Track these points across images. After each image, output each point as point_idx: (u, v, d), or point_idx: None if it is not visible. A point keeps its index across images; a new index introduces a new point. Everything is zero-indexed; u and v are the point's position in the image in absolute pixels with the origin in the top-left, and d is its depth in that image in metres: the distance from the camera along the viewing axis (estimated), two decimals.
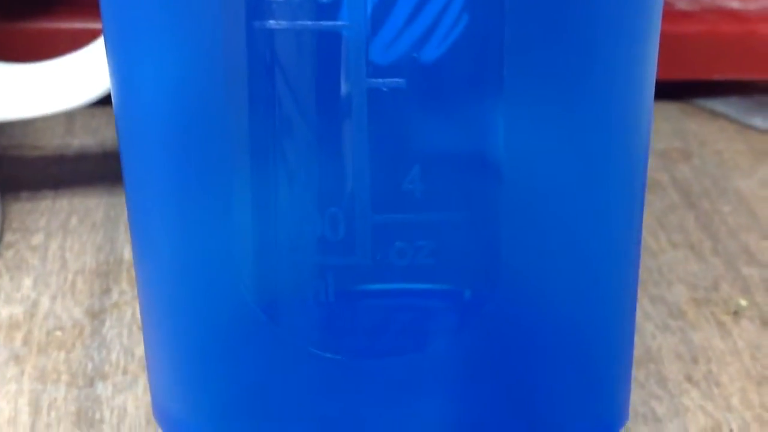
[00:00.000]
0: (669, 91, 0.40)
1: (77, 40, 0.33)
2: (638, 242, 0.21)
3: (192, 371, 0.20)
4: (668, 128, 0.39)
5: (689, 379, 0.26)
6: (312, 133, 0.17)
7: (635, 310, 0.22)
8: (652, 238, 0.32)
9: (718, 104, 0.40)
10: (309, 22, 0.17)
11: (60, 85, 0.29)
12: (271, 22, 0.17)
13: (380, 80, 0.17)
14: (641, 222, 0.21)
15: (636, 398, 0.25)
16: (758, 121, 0.39)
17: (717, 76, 0.39)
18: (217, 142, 0.18)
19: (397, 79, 0.17)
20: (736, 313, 0.29)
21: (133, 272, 0.29)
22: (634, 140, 0.19)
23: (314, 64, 0.17)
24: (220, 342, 0.20)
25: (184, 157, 0.19)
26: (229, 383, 0.20)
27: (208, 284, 0.19)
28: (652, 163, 0.35)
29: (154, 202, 0.20)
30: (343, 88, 0.17)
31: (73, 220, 0.32)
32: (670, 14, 0.39)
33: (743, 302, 0.29)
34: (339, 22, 0.17)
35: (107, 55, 0.20)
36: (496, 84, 0.17)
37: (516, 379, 0.19)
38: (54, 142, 0.36)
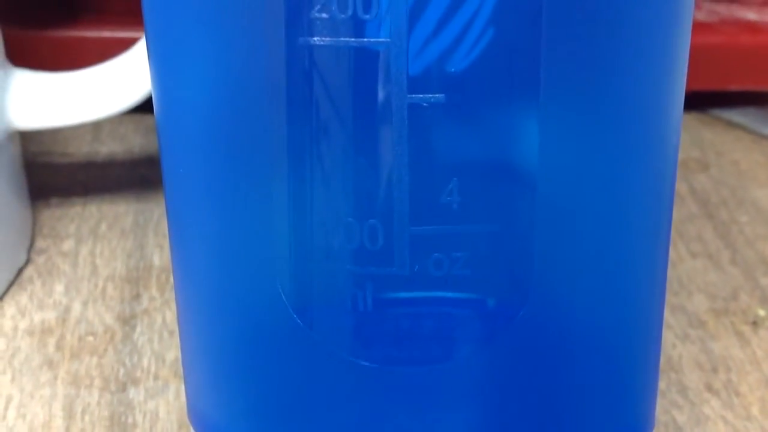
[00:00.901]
0: (686, 100, 0.40)
1: (105, 49, 0.34)
2: (666, 252, 0.21)
3: (227, 374, 0.21)
4: (686, 138, 0.39)
5: (709, 388, 0.27)
6: (351, 146, 0.18)
7: (662, 319, 0.22)
8: (672, 247, 0.32)
9: (734, 114, 0.40)
10: (351, 39, 0.17)
11: (90, 96, 0.30)
12: (315, 38, 0.17)
13: (420, 96, 0.17)
14: (669, 232, 0.21)
15: (658, 407, 0.26)
16: None
17: (734, 87, 0.40)
18: (257, 151, 0.18)
19: (437, 95, 0.17)
20: (755, 323, 0.29)
21: (162, 278, 0.30)
22: (663, 150, 0.20)
23: (354, 79, 0.17)
24: (255, 346, 0.20)
25: (224, 165, 0.19)
26: (263, 387, 0.20)
27: (246, 288, 0.20)
28: None
29: (193, 207, 0.20)
30: (384, 103, 0.17)
31: (103, 226, 0.32)
32: None
33: (762, 312, 0.30)
34: (381, 39, 0.17)
35: (150, 64, 0.20)
36: (533, 95, 0.18)
37: (544, 388, 0.20)
38: (82, 150, 0.36)
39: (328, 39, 0.17)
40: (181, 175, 0.20)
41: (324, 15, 0.17)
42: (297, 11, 0.17)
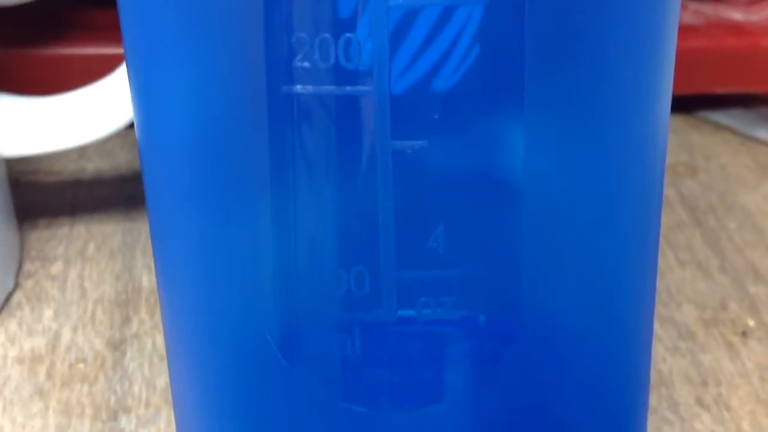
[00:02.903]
0: (673, 103, 0.40)
1: (91, 66, 0.33)
2: (655, 263, 0.21)
3: (215, 411, 0.21)
4: (673, 141, 0.39)
5: (700, 402, 0.27)
6: (336, 192, 0.18)
7: (652, 333, 0.22)
8: (661, 256, 0.32)
9: (721, 117, 0.40)
10: (334, 87, 0.17)
11: (76, 120, 0.30)
12: (298, 87, 0.17)
13: (405, 142, 0.17)
14: (657, 242, 0.21)
15: (649, 423, 0.26)
16: (762, 134, 0.39)
17: (720, 90, 0.40)
18: (239, 196, 0.18)
19: (420, 141, 0.17)
20: (744, 334, 0.29)
21: (151, 301, 0.30)
22: (652, 159, 0.20)
23: (337, 127, 0.17)
24: (242, 387, 0.20)
25: (206, 209, 0.19)
26: (249, 423, 0.20)
27: (233, 331, 0.20)
28: None
29: (176, 245, 0.20)
30: (368, 150, 0.17)
31: (91, 247, 0.32)
32: None
33: (751, 322, 0.30)
34: (364, 87, 0.17)
35: (130, 87, 0.20)
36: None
37: (535, 414, 0.20)
38: (69, 167, 0.36)
39: (310, 87, 0.17)
40: (163, 198, 0.20)
41: (306, 64, 0.17)
42: (279, 60, 0.17)
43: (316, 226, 0.18)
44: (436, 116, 0.17)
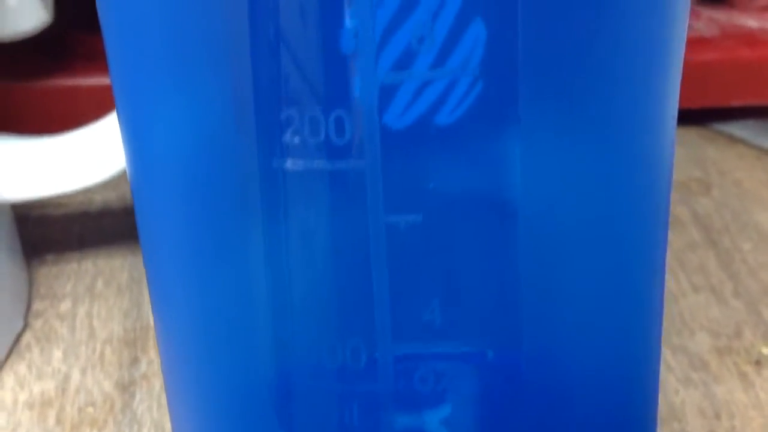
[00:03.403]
0: (686, 115, 0.40)
1: (97, 97, 0.33)
2: (662, 288, 0.20)
3: None
4: (686, 156, 0.39)
5: None
6: (331, 266, 0.17)
7: (659, 363, 0.21)
8: (674, 279, 0.32)
9: (736, 129, 0.40)
10: (325, 162, 0.17)
11: (81, 160, 0.29)
12: (288, 162, 0.17)
13: (398, 216, 0.17)
14: (664, 266, 0.21)
15: None
16: None
17: (735, 102, 0.39)
18: (228, 267, 0.18)
19: (414, 216, 0.17)
20: (758, 363, 0.29)
21: None
22: (656, 181, 0.19)
23: (329, 201, 0.17)
24: None
25: (195, 272, 0.19)
26: None
27: (230, 401, 0.20)
28: (672, 195, 0.35)
29: (171, 295, 0.20)
30: (361, 225, 0.17)
31: (99, 284, 0.32)
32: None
33: (765, 350, 0.29)
34: (355, 162, 0.17)
35: (120, 125, 0.20)
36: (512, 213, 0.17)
37: None
38: (77, 199, 0.36)
39: (301, 162, 0.17)
40: (156, 244, 0.20)
41: (296, 139, 0.17)
42: (269, 134, 0.17)
43: (310, 298, 0.18)
44: (431, 186, 0.17)
